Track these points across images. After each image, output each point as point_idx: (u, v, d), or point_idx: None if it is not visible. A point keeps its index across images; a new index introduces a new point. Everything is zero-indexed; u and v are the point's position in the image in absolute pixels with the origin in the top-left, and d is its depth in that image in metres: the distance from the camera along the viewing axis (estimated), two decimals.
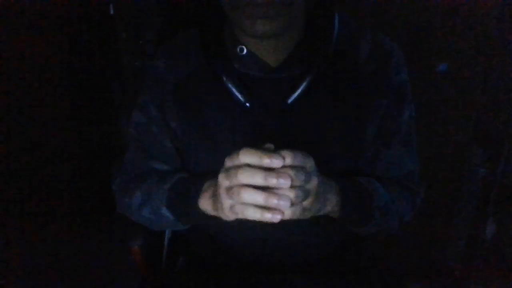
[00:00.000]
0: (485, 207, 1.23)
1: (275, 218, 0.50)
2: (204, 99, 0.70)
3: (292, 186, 0.50)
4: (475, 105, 1.12)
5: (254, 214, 0.50)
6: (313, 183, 0.53)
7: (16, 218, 1.52)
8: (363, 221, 0.67)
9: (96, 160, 1.52)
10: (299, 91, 0.65)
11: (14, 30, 1.30)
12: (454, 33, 1.05)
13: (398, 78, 0.69)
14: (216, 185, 0.56)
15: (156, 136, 0.74)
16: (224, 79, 0.66)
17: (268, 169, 0.49)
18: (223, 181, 0.52)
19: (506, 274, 1.29)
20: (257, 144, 0.52)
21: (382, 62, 0.68)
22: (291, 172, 0.50)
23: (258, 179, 0.49)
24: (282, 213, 0.50)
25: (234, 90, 0.66)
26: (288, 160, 0.50)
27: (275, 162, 0.49)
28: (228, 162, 0.52)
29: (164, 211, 0.69)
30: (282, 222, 0.51)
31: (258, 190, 0.49)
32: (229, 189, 0.52)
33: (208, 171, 0.67)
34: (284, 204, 0.49)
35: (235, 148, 0.51)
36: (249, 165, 0.50)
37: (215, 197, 0.57)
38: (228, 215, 0.55)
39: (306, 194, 0.52)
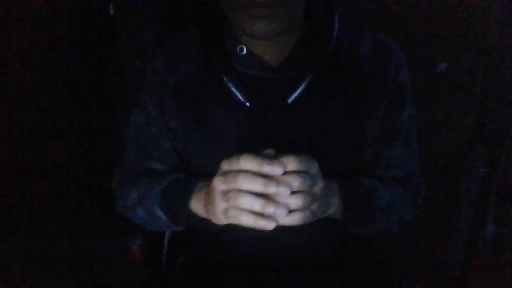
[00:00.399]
0: (485, 207, 1.23)
1: (269, 226, 0.49)
2: (204, 99, 0.70)
3: (298, 191, 0.50)
4: (475, 105, 1.12)
5: (248, 220, 0.50)
6: (319, 186, 0.53)
7: (16, 218, 1.52)
8: (365, 222, 0.67)
9: (96, 160, 1.52)
10: (299, 90, 0.65)
11: (14, 30, 1.30)
12: (454, 33, 1.05)
13: (398, 78, 0.69)
14: (209, 187, 0.55)
15: (154, 136, 0.74)
16: (224, 79, 0.66)
17: (268, 175, 0.49)
18: (220, 184, 0.51)
19: (506, 274, 1.29)
20: (257, 147, 0.52)
21: (383, 61, 0.68)
22: (297, 178, 0.49)
23: (258, 186, 0.48)
24: (277, 221, 0.49)
25: (234, 90, 0.66)
26: (293, 165, 0.50)
27: (275, 169, 0.48)
28: (226, 166, 0.52)
29: (158, 211, 0.69)
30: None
31: (256, 196, 0.49)
32: (226, 192, 0.51)
33: (208, 171, 0.67)
34: (280, 212, 0.49)
35: (235, 148, 0.51)
36: (248, 171, 0.49)
37: (208, 199, 0.56)
38: (220, 219, 0.54)
39: (313, 198, 0.52)
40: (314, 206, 0.53)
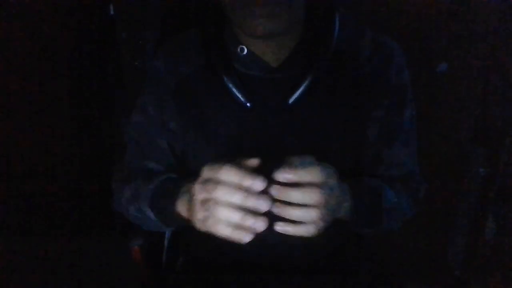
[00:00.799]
0: (485, 207, 1.23)
1: (245, 239, 0.49)
2: (204, 99, 0.70)
3: (315, 205, 0.50)
4: (475, 105, 1.12)
5: (224, 231, 0.49)
6: (335, 195, 0.53)
7: (16, 218, 1.52)
8: (372, 224, 0.67)
9: (96, 160, 1.52)
10: (299, 91, 0.65)
11: (14, 29, 1.30)
12: (454, 33, 1.05)
13: (399, 78, 0.69)
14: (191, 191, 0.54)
15: (152, 136, 0.74)
16: (225, 79, 0.66)
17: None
18: (200, 192, 0.51)
19: (506, 274, 1.29)
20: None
21: (383, 61, 0.68)
22: (316, 193, 0.49)
23: (237, 198, 0.48)
24: (254, 233, 0.49)
25: (234, 90, 0.66)
26: (314, 177, 0.50)
27: (256, 184, 0.47)
28: (207, 173, 0.51)
29: (148, 210, 0.68)
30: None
31: (234, 208, 0.48)
32: (205, 201, 0.50)
33: None
34: (260, 226, 0.48)
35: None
36: (228, 182, 0.48)
37: (190, 203, 0.55)
38: (199, 226, 0.53)
39: (328, 210, 0.52)
40: (328, 218, 0.53)
